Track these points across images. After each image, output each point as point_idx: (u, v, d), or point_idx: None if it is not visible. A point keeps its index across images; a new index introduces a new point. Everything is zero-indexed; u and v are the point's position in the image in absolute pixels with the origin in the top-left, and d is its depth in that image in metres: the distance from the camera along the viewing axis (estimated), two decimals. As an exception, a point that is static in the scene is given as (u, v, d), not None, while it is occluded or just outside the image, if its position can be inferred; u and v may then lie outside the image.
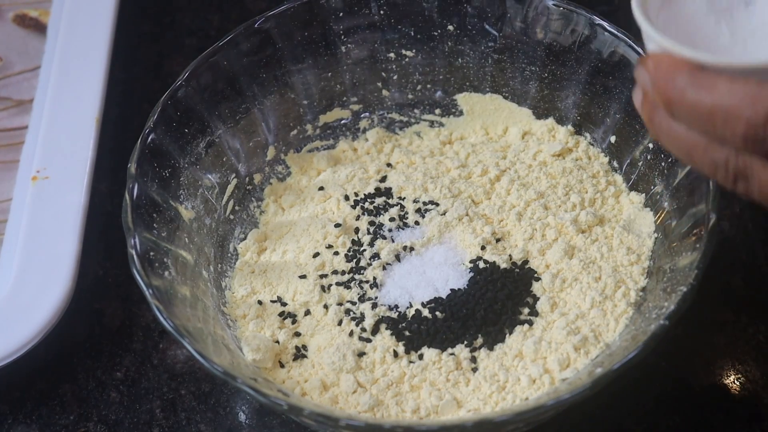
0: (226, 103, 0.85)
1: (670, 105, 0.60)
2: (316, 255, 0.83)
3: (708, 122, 0.58)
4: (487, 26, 0.87)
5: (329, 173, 0.88)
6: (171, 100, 0.82)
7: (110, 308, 0.87)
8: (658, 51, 0.62)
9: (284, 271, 0.82)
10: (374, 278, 0.81)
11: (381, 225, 0.84)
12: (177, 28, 1.04)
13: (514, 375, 0.76)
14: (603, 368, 0.71)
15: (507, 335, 0.78)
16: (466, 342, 0.77)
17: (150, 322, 0.86)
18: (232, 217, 0.86)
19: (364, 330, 0.79)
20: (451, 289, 0.80)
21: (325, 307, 0.80)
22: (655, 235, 0.81)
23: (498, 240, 0.82)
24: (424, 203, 0.85)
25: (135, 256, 0.74)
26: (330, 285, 0.81)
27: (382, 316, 0.79)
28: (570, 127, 0.88)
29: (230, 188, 0.86)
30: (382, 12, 0.87)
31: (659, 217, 0.81)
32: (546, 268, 0.81)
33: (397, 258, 0.82)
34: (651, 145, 0.82)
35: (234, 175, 0.86)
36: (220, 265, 0.83)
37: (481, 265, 0.81)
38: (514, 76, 0.88)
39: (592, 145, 0.87)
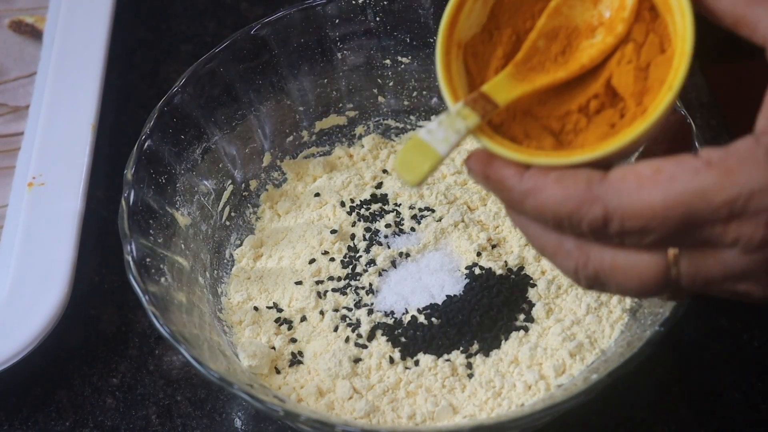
0: (222, 109, 0.85)
1: (515, 210, 0.61)
2: (312, 261, 0.83)
3: (555, 224, 0.59)
4: (482, 33, 0.87)
5: (325, 179, 0.88)
6: (167, 106, 0.82)
7: (106, 314, 0.87)
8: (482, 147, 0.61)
9: (280, 278, 0.82)
10: (370, 284, 0.81)
11: (377, 231, 0.84)
12: (173, 34, 1.04)
13: (510, 381, 0.76)
14: (598, 374, 0.71)
15: (503, 341, 0.78)
16: (461, 348, 0.77)
17: (146, 328, 0.86)
18: (228, 223, 0.86)
19: (360, 336, 0.79)
20: (446, 296, 0.80)
21: (321, 313, 0.80)
22: (651, 241, 0.81)
23: (494, 246, 0.82)
24: (420, 209, 0.85)
25: (131, 263, 0.74)
26: (326, 291, 0.81)
27: (378, 323, 0.79)
28: (565, 133, 0.88)
29: (226, 194, 0.86)
30: (378, 19, 0.87)
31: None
32: (541, 275, 0.81)
33: (393, 264, 0.82)
34: (646, 152, 0.82)
35: (230, 181, 0.86)
36: (216, 272, 0.83)
37: (477, 271, 0.81)
38: (509, 82, 0.88)
39: (588, 151, 0.87)
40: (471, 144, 0.80)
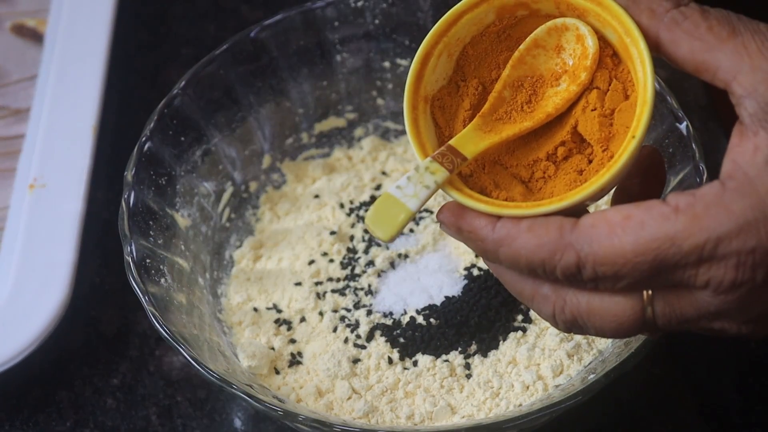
0: (222, 111, 0.85)
1: (487, 259, 0.62)
2: (311, 262, 0.83)
3: (530, 272, 0.60)
4: (481, 36, 0.87)
5: (324, 181, 0.88)
6: (167, 108, 0.82)
7: (107, 315, 0.87)
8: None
9: (280, 279, 0.83)
10: (369, 285, 0.82)
11: (376, 233, 0.84)
12: (173, 37, 1.04)
13: (508, 381, 0.76)
14: (596, 375, 0.71)
15: (501, 342, 0.78)
16: (460, 349, 0.78)
17: (146, 329, 0.86)
18: (227, 224, 0.86)
19: (358, 337, 0.79)
20: (445, 296, 0.80)
21: (321, 314, 0.81)
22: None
23: (492, 247, 0.83)
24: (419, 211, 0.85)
25: (131, 264, 0.75)
26: (325, 292, 0.82)
27: (377, 323, 0.79)
28: (563, 135, 0.88)
29: (226, 196, 0.86)
30: (376, 21, 0.88)
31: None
32: (539, 276, 0.81)
33: (392, 265, 0.83)
34: (644, 154, 0.82)
35: (230, 183, 0.87)
36: (215, 273, 0.84)
37: (476, 272, 0.81)
38: (508, 85, 0.88)
39: (586, 153, 0.87)
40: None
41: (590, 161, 0.63)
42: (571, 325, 0.61)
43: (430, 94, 0.65)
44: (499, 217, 0.60)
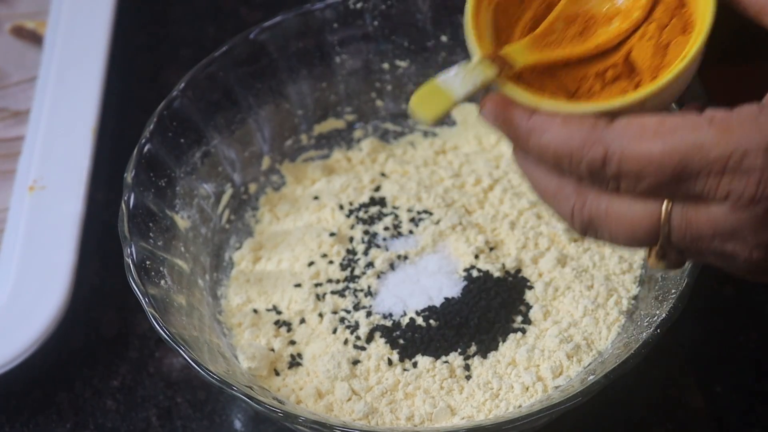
0: (221, 113, 0.86)
1: (520, 149, 0.62)
2: (310, 264, 0.83)
3: (556, 164, 0.60)
4: (480, 37, 0.87)
5: (324, 183, 0.88)
6: (167, 110, 0.82)
7: (106, 317, 0.87)
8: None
9: (279, 280, 0.83)
10: (368, 287, 0.82)
11: (375, 234, 0.85)
12: (173, 39, 1.05)
13: (508, 382, 0.76)
14: (595, 376, 0.71)
15: (500, 343, 0.78)
16: (459, 350, 0.78)
17: (146, 330, 0.86)
18: (227, 226, 0.86)
19: (358, 338, 0.79)
20: (444, 298, 0.80)
21: (320, 315, 0.81)
22: (647, 243, 0.81)
23: (491, 249, 0.83)
24: (418, 212, 0.85)
25: (131, 265, 0.75)
26: (325, 293, 0.82)
27: (377, 325, 0.80)
28: (563, 136, 0.88)
29: (226, 198, 0.86)
30: (376, 23, 0.88)
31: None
32: (539, 277, 0.81)
33: (392, 267, 0.83)
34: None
35: (229, 184, 0.87)
36: (215, 274, 0.84)
37: (475, 273, 0.81)
38: (507, 86, 0.88)
39: (585, 154, 0.87)
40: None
41: (636, 87, 0.63)
42: (587, 226, 0.61)
43: None
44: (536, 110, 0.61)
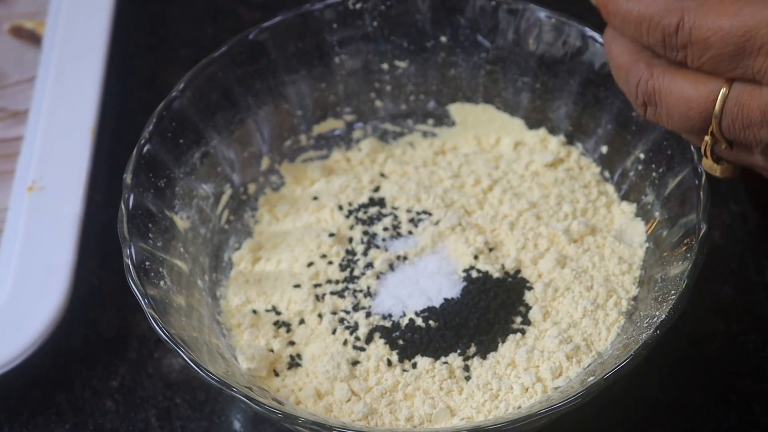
0: (220, 113, 0.85)
1: (608, 15, 0.68)
2: (310, 264, 0.83)
3: (636, 30, 0.66)
4: (479, 37, 0.87)
5: (323, 183, 0.88)
6: (166, 110, 0.82)
7: (105, 318, 0.87)
8: None
9: (279, 281, 0.83)
10: (368, 287, 0.82)
11: (374, 234, 0.85)
12: (172, 39, 1.05)
13: (507, 383, 0.76)
14: (595, 377, 0.71)
15: (500, 344, 0.78)
16: (459, 351, 0.78)
17: (145, 331, 0.86)
18: (226, 226, 0.86)
19: (358, 339, 0.79)
20: (444, 299, 0.80)
21: (320, 316, 0.81)
22: (647, 244, 0.81)
23: (491, 249, 0.83)
24: (417, 213, 0.85)
25: (130, 266, 0.75)
26: (324, 294, 0.82)
27: (376, 325, 0.80)
28: (562, 137, 0.88)
29: (225, 198, 0.86)
30: (375, 23, 0.88)
31: (650, 226, 0.82)
32: (538, 278, 0.81)
33: (391, 267, 0.83)
34: (642, 156, 0.82)
35: (229, 185, 0.87)
36: (214, 275, 0.84)
37: (474, 274, 0.81)
38: (506, 86, 0.88)
39: (584, 155, 0.88)
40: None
41: None
42: (648, 97, 0.67)
43: None
44: None
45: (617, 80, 0.70)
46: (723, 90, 0.64)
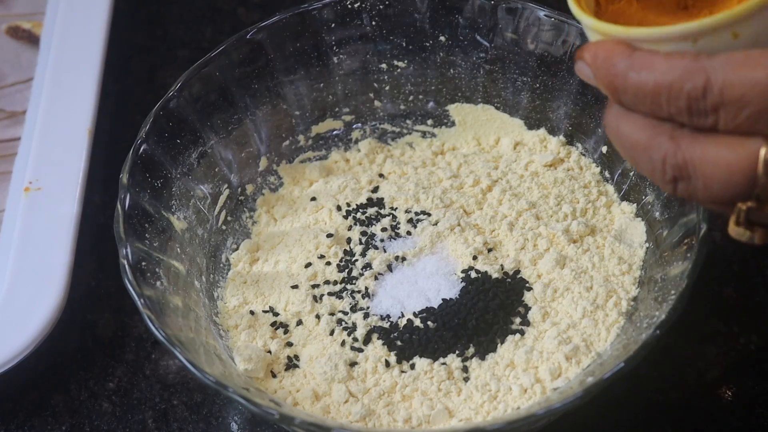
0: (218, 113, 0.85)
1: (616, 92, 0.61)
2: (308, 265, 0.83)
3: (653, 102, 0.59)
4: (478, 37, 0.87)
5: (321, 184, 0.88)
6: (163, 110, 0.82)
7: (102, 319, 0.87)
8: (594, 40, 0.63)
9: (276, 282, 0.82)
10: (366, 288, 0.81)
11: (373, 235, 0.84)
12: (170, 39, 1.04)
13: (506, 384, 0.76)
14: (594, 377, 0.71)
15: (498, 345, 0.78)
16: (457, 352, 0.77)
17: (142, 332, 0.86)
18: (224, 227, 0.86)
19: (356, 340, 0.79)
20: (442, 299, 0.80)
21: (317, 317, 0.80)
22: (647, 244, 0.81)
23: (490, 250, 0.82)
24: (416, 213, 0.85)
25: (127, 266, 0.74)
26: (322, 295, 0.81)
27: (374, 326, 0.79)
28: (562, 137, 0.88)
29: (222, 199, 0.86)
30: (373, 23, 0.88)
31: (650, 226, 0.81)
32: (538, 278, 0.81)
33: (389, 268, 0.82)
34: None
35: (226, 185, 0.86)
36: (212, 276, 0.83)
37: (473, 275, 0.81)
38: (505, 86, 0.88)
39: (584, 155, 0.87)
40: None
41: None
42: (679, 172, 0.60)
43: None
44: (635, 48, 0.60)
45: (634, 160, 0.62)
46: (763, 149, 0.57)
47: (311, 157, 0.90)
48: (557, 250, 0.82)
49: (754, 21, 0.59)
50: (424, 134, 0.91)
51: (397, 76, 0.89)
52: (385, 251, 0.83)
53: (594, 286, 0.79)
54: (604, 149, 0.86)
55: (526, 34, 0.85)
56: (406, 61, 0.89)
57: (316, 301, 0.81)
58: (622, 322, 0.78)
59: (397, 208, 0.86)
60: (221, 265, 0.85)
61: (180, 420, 0.82)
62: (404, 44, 0.88)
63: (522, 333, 0.78)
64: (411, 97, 0.90)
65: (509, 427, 0.69)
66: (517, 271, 0.81)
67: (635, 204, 0.83)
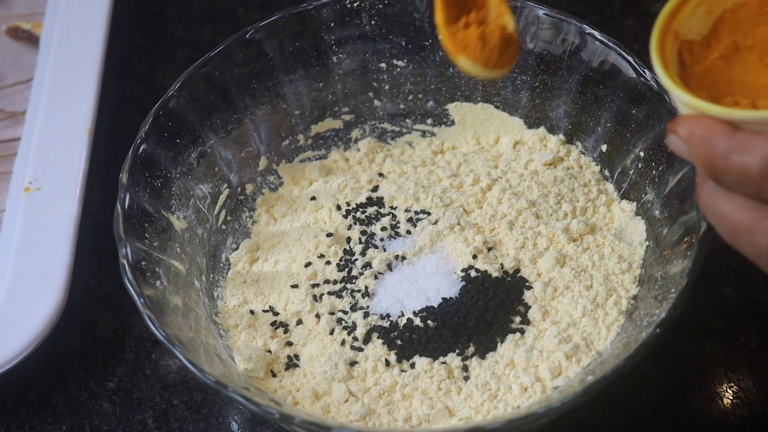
0: (217, 113, 0.85)
1: (715, 173, 0.58)
2: (308, 265, 0.83)
3: (759, 186, 0.57)
4: (478, 36, 0.87)
5: (321, 183, 0.88)
6: (162, 110, 0.82)
7: (102, 319, 0.87)
8: (687, 112, 0.61)
9: (276, 281, 0.82)
10: (366, 287, 0.81)
11: (373, 234, 0.84)
12: (169, 39, 1.04)
13: (506, 383, 0.76)
14: (594, 376, 0.71)
15: (498, 344, 0.78)
16: (457, 351, 0.77)
17: (142, 332, 0.86)
18: (224, 227, 0.86)
19: (355, 339, 0.79)
20: (442, 298, 0.80)
21: (317, 316, 0.80)
22: (647, 243, 0.81)
23: (489, 249, 0.82)
24: (416, 213, 0.85)
25: (126, 266, 0.74)
26: (322, 294, 0.81)
27: (374, 325, 0.79)
28: (561, 136, 0.88)
29: (222, 198, 0.86)
30: (373, 22, 0.88)
31: (650, 225, 0.81)
32: (537, 277, 0.81)
33: (389, 267, 0.82)
34: (642, 154, 0.82)
35: (226, 185, 0.86)
36: (212, 275, 0.83)
37: (473, 274, 0.81)
38: (505, 85, 0.88)
39: (584, 154, 0.87)
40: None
41: None
42: None
43: (681, 35, 0.65)
44: (736, 127, 0.58)
45: (735, 241, 0.60)
46: None
47: (311, 157, 0.90)
48: (557, 248, 0.82)
49: None
50: (423, 133, 0.91)
51: (397, 75, 0.89)
52: (384, 250, 0.83)
53: (594, 285, 0.79)
54: (604, 148, 0.85)
55: (525, 32, 0.85)
56: (405, 61, 0.89)
57: (316, 301, 0.81)
58: (622, 320, 0.78)
59: (396, 208, 0.86)
60: (221, 264, 0.85)
61: (180, 420, 0.82)
62: (404, 43, 0.88)
63: (522, 332, 0.78)
64: (410, 97, 0.90)
65: (509, 426, 0.69)
66: (517, 270, 0.81)
67: (635, 202, 0.83)
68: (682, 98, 0.61)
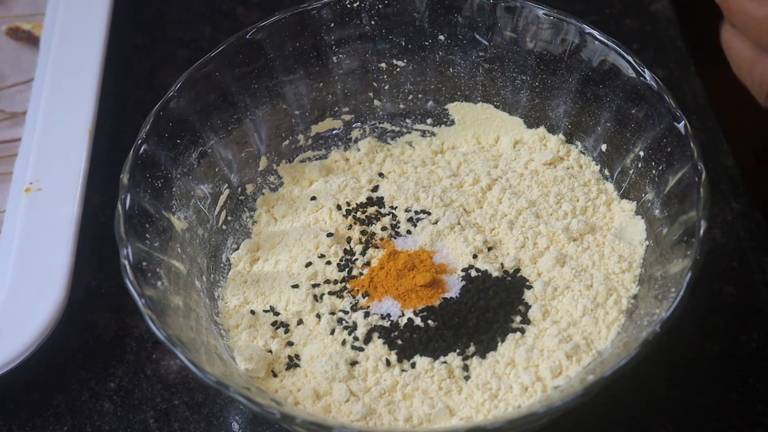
0: (218, 113, 0.85)
1: (729, 12, 0.71)
2: (308, 265, 0.83)
3: (756, 31, 0.68)
4: (477, 36, 0.87)
5: (321, 183, 0.88)
6: (163, 111, 0.82)
7: (103, 319, 0.87)
8: None
9: (277, 281, 0.83)
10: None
11: (373, 234, 0.84)
12: (169, 40, 1.04)
13: (507, 383, 0.76)
14: (595, 376, 0.71)
15: (499, 343, 0.78)
16: (458, 350, 0.77)
17: (143, 332, 0.86)
18: (224, 227, 0.86)
19: (356, 339, 0.79)
20: (443, 298, 0.80)
21: (318, 316, 0.80)
22: (647, 242, 0.81)
23: (490, 248, 0.82)
24: (416, 212, 0.85)
25: (127, 266, 0.74)
26: (322, 294, 0.81)
27: (375, 325, 0.79)
28: (561, 135, 0.88)
29: (222, 199, 0.86)
30: (373, 22, 0.88)
31: (650, 224, 0.81)
32: (538, 276, 0.81)
33: (390, 267, 0.82)
34: (642, 154, 0.82)
35: (226, 185, 0.86)
36: (212, 275, 0.83)
37: (473, 273, 0.81)
38: (505, 85, 0.88)
39: (584, 153, 0.87)
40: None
41: None
42: None
43: None
44: None
45: (738, 71, 0.73)
46: None
47: (311, 157, 0.90)
48: (557, 248, 0.82)
49: None
50: (423, 133, 0.91)
51: (397, 75, 0.89)
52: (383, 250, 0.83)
53: (594, 284, 0.79)
54: (604, 147, 0.86)
55: (525, 32, 0.85)
56: (405, 60, 0.89)
57: (317, 301, 0.81)
58: (623, 320, 0.78)
59: (396, 207, 0.86)
60: (222, 264, 0.85)
61: (181, 420, 0.82)
62: (403, 43, 0.88)
63: (522, 331, 0.78)
64: (410, 96, 0.90)
65: (510, 425, 0.69)
66: (518, 270, 0.81)
67: (635, 202, 0.83)
68: None
